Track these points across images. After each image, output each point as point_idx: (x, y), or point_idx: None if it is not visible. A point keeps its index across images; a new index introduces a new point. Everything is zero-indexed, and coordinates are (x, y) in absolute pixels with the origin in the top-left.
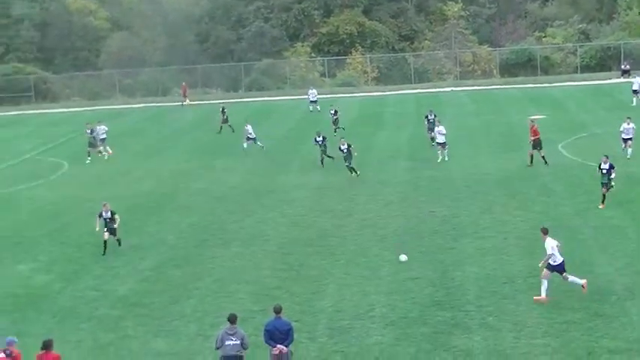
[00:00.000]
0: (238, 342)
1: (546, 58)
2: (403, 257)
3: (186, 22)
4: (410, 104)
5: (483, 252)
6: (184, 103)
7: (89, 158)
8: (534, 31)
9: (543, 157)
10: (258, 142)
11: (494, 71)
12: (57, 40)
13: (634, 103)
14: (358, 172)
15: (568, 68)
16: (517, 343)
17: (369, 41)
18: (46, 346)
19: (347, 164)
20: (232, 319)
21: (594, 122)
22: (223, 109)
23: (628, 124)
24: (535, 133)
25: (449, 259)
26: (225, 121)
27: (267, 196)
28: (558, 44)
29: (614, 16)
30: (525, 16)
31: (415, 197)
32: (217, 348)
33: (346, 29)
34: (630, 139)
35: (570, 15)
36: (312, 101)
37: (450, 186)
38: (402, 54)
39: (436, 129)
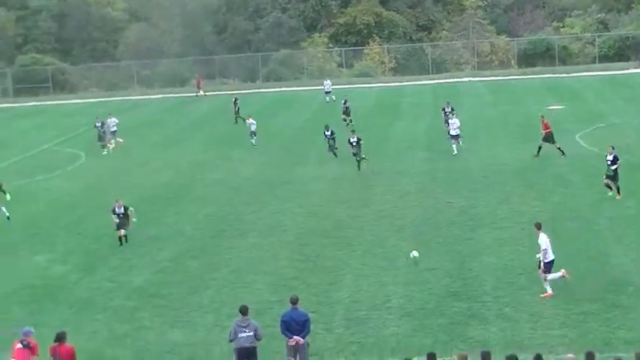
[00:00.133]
0: (252, 333)
1: (564, 48)
2: (414, 253)
3: (204, 12)
4: (427, 95)
5: (501, 243)
6: (198, 94)
7: (105, 150)
8: (552, 21)
9: (559, 148)
10: (255, 138)
11: (512, 61)
12: (75, 31)
13: None
14: (365, 157)
15: (586, 58)
16: (534, 334)
17: (386, 31)
18: (60, 338)
19: (357, 158)
20: (244, 311)
21: (612, 112)
22: (236, 101)
23: None
24: (546, 127)
25: (466, 250)
26: (237, 112)
27: (283, 187)
28: (576, 34)
29: (632, 5)
30: (543, 6)
31: (432, 188)
32: (231, 340)
33: (364, 19)
34: None
35: (589, 5)
36: (326, 92)
37: (467, 177)
38: (420, 44)
39: (450, 122)
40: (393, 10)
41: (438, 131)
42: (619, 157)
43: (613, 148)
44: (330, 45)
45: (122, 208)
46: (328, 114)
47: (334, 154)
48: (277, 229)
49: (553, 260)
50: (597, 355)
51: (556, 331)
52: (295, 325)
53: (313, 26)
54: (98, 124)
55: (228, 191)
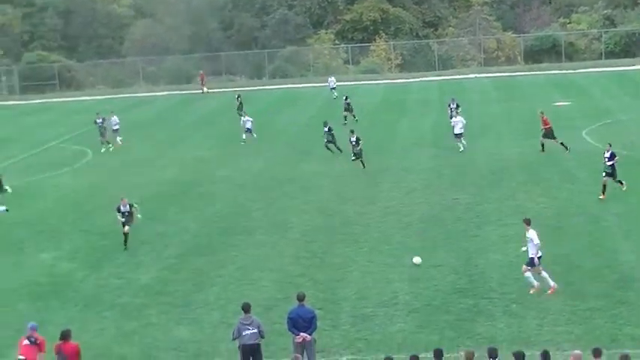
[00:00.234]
0: (255, 330)
1: (571, 44)
2: (417, 259)
3: (210, 9)
4: (433, 91)
5: (507, 239)
6: (203, 90)
7: (109, 146)
8: (559, 17)
9: (561, 143)
10: (247, 135)
11: (519, 58)
12: (81, 27)
13: None
14: (356, 159)
15: (593, 54)
16: (540, 330)
17: (392, 28)
18: (65, 336)
19: (352, 158)
20: (246, 309)
21: (619, 109)
22: (238, 97)
23: None
24: (546, 123)
25: (472, 247)
26: (239, 108)
27: (289, 183)
28: (583, 30)
29: (639, 1)
30: (550, 2)
31: (439, 185)
32: (234, 338)
33: (370, 16)
34: None
35: (595, 1)
36: (332, 88)
37: (473, 173)
38: (426, 41)
39: (453, 119)
40: (400, 7)
41: (444, 128)
42: (616, 154)
43: (610, 145)
44: (337, 42)
45: (127, 206)
46: (334, 110)
47: (330, 149)
48: (283, 226)
49: (539, 258)
50: (604, 352)
51: (562, 327)
52: (302, 321)
53: (319, 23)
54: (99, 120)
55: (234, 188)
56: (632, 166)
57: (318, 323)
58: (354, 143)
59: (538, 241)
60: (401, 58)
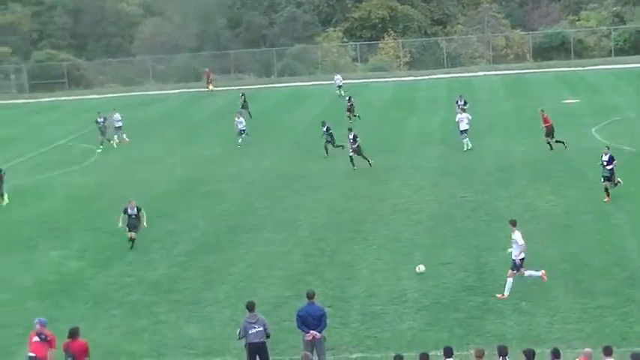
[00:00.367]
0: (261, 329)
1: (580, 41)
2: (421, 268)
3: (218, 7)
4: (442, 89)
5: None
6: (209, 89)
7: (110, 143)
8: (568, 15)
9: (557, 141)
10: (244, 135)
11: (528, 55)
12: (90, 26)
13: None
14: (355, 167)
15: (602, 51)
16: (550, 328)
17: (401, 26)
18: (73, 334)
19: (350, 155)
20: (251, 307)
21: (628, 106)
22: (242, 96)
23: None
24: (546, 120)
25: (482, 245)
26: (244, 107)
27: (298, 181)
28: (592, 27)
29: None
30: (559, 0)
31: (447, 182)
32: (240, 337)
33: (378, 14)
34: None
35: None
36: (338, 86)
37: (482, 171)
38: (435, 38)
39: (458, 115)
40: (408, 4)
41: (453, 125)
42: (614, 158)
43: (608, 148)
44: (345, 39)
45: (135, 209)
46: (341, 109)
47: (326, 150)
48: (292, 224)
49: (522, 260)
50: (614, 350)
51: (573, 325)
52: (311, 319)
53: (328, 21)
54: (100, 120)
55: (242, 186)
56: None
57: (328, 321)
58: (351, 141)
59: (522, 242)
60: (409, 55)
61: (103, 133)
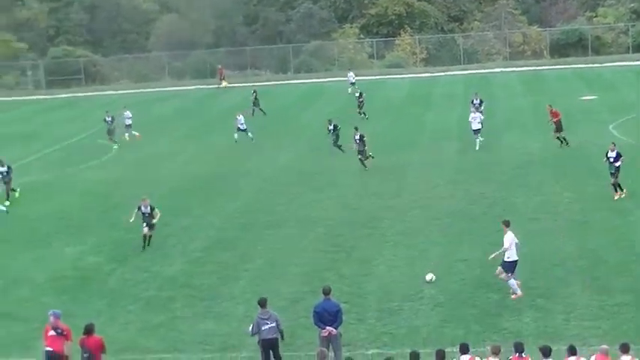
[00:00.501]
0: (274, 324)
1: (597, 38)
2: (430, 276)
3: (235, 3)
4: (459, 85)
5: (533, 234)
6: (221, 85)
7: (115, 145)
8: (585, 11)
9: (564, 138)
10: (249, 134)
11: (545, 52)
12: (106, 22)
13: None
14: (372, 156)
15: (619, 48)
16: (567, 325)
17: (417, 22)
18: (88, 330)
19: (359, 156)
20: (263, 303)
21: None
22: (254, 92)
23: None
24: (555, 115)
25: (498, 241)
26: (256, 104)
27: (314, 178)
28: (609, 24)
29: None
30: None
31: (464, 179)
32: (253, 334)
33: (395, 10)
34: None
35: None
36: (351, 83)
37: (499, 168)
38: (451, 35)
39: (472, 114)
40: (425, 1)
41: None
42: (622, 154)
43: (614, 145)
44: (362, 36)
45: (148, 208)
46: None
47: (340, 148)
48: (308, 220)
49: (516, 261)
50: (632, 347)
51: (589, 322)
52: (328, 315)
53: (344, 17)
54: (108, 119)
55: (258, 182)
56: None
57: (344, 317)
58: (358, 141)
59: (506, 246)
60: (426, 52)
61: (110, 133)
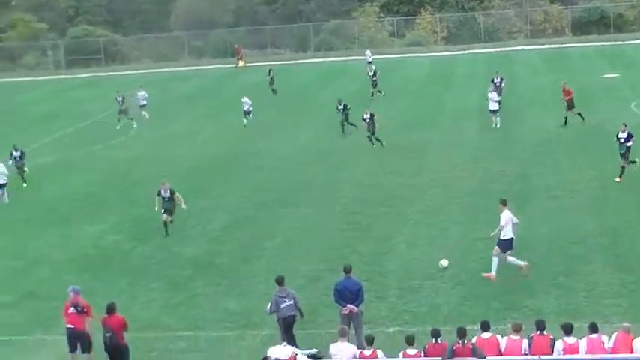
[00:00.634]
0: (292, 302)
1: (620, 15)
2: (444, 262)
3: None
4: (480, 64)
5: (554, 211)
6: (238, 65)
7: (119, 125)
8: None
9: (579, 114)
10: (251, 115)
11: (566, 30)
12: (125, 2)
13: None
14: (383, 143)
15: None
16: (588, 302)
17: (438, 0)
18: (110, 309)
19: (368, 134)
20: (280, 281)
21: None
22: (270, 72)
23: None
24: (567, 93)
25: (519, 219)
26: (271, 83)
27: (334, 156)
28: (632, 1)
29: None
30: None
31: (485, 157)
32: (271, 312)
33: None
34: None
35: None
36: (368, 62)
37: (519, 146)
38: (472, 13)
39: (489, 95)
40: None
41: None
42: (633, 135)
43: (625, 126)
44: (382, 14)
45: (168, 192)
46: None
47: (343, 128)
48: (328, 199)
49: (512, 239)
50: None
51: (610, 299)
52: (349, 293)
53: None
54: (119, 99)
55: (277, 161)
56: None
57: (365, 295)
58: (367, 120)
59: (502, 223)
60: (447, 30)
61: (122, 112)
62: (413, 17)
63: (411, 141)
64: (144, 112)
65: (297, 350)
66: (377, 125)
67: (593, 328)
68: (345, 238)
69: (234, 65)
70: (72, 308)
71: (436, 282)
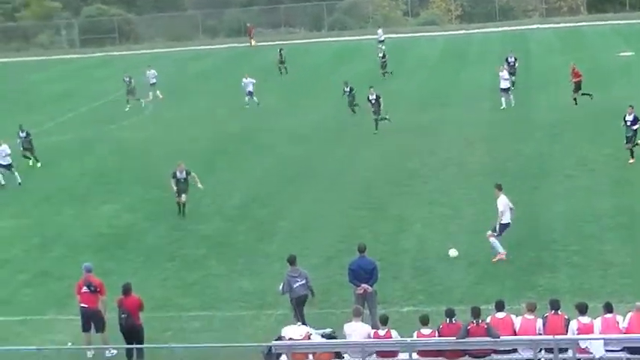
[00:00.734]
0: (304, 282)
1: None
2: (453, 252)
3: None
4: (494, 43)
5: (570, 191)
6: (251, 44)
7: (128, 106)
8: None
9: (584, 94)
10: (249, 98)
11: (582, 7)
12: None
13: None
14: (389, 119)
15: None
16: (603, 282)
17: None
18: (126, 290)
19: (374, 117)
20: (292, 261)
21: None
22: (281, 51)
23: None
24: (576, 75)
25: (534, 199)
26: (282, 62)
27: (349, 135)
28: None
29: None
30: None
31: (500, 136)
32: (284, 293)
33: None
34: None
35: None
36: (380, 41)
37: (535, 125)
38: None
39: (500, 74)
40: None
41: None
42: (639, 118)
43: (632, 108)
44: None
45: (184, 173)
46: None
47: (353, 110)
48: (343, 178)
49: (508, 224)
50: None
51: (626, 279)
52: (363, 273)
53: None
54: (127, 79)
55: (293, 140)
56: None
57: (379, 275)
58: (373, 101)
59: (501, 209)
60: (461, 9)
61: (130, 93)
62: None
63: (425, 120)
64: (157, 91)
65: (311, 330)
66: (382, 106)
67: (608, 308)
68: (360, 218)
69: (247, 44)
70: (85, 287)
71: (451, 261)
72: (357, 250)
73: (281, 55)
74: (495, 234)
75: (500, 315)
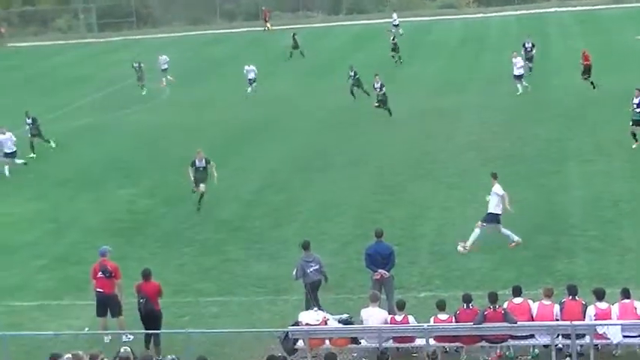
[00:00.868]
0: (318, 267)
1: None
2: (461, 248)
3: None
4: (512, 26)
5: (588, 175)
6: (267, 28)
7: (144, 90)
8: None
9: (591, 82)
10: (252, 86)
11: None
12: None
13: None
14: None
15: None
16: (621, 267)
17: None
18: (145, 275)
19: (375, 104)
20: (306, 246)
21: None
22: (294, 36)
23: None
24: (586, 59)
25: (552, 183)
26: (296, 47)
27: (366, 120)
28: None
29: None
30: None
31: (518, 121)
32: (297, 278)
33: None
34: None
35: None
36: (394, 25)
37: (553, 109)
38: None
39: (514, 60)
40: None
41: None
42: None
43: (639, 91)
44: None
45: (203, 161)
46: (405, 48)
47: (353, 94)
48: (361, 163)
49: (498, 215)
50: None
51: None
52: (380, 258)
53: None
54: (136, 65)
55: (310, 125)
56: None
57: (396, 260)
58: (377, 89)
59: (502, 193)
60: None
61: (139, 79)
62: None
63: (444, 104)
64: (169, 76)
65: (328, 315)
66: (385, 96)
67: (626, 294)
68: (378, 202)
69: (263, 29)
70: (100, 272)
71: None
72: (375, 235)
73: (295, 39)
74: (484, 224)
75: (518, 300)
